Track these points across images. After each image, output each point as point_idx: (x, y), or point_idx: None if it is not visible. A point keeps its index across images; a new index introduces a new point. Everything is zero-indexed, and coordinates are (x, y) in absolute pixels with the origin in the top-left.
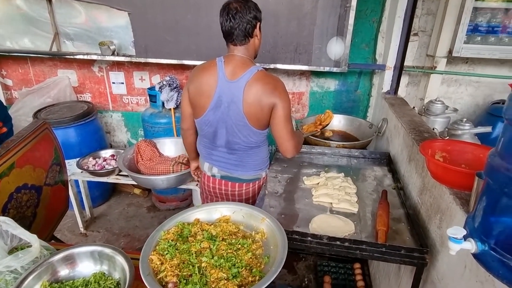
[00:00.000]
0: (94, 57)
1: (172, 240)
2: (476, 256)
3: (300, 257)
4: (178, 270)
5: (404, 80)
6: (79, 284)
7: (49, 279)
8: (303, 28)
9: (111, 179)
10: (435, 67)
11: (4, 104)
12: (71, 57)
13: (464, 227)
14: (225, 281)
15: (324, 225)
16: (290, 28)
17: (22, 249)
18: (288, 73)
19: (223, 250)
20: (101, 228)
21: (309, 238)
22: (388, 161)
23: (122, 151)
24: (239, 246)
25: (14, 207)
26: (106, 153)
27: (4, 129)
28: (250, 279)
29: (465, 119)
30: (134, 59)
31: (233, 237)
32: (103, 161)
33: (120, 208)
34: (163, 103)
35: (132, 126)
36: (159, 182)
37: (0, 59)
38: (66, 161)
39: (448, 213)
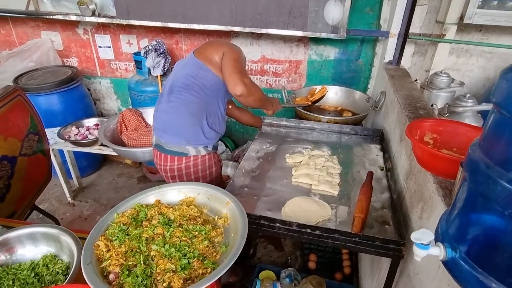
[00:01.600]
0: (74, 17)
1: (124, 224)
2: (445, 263)
3: None
4: (124, 258)
5: (409, 49)
6: (26, 267)
7: None
8: None
9: (94, 149)
10: (444, 35)
11: None
12: (49, 17)
13: (438, 226)
14: (172, 274)
15: (297, 209)
16: None
17: None
18: (284, 39)
19: (177, 237)
20: (89, 198)
21: (278, 224)
22: (381, 139)
23: (107, 119)
24: (196, 233)
25: None
26: (90, 122)
27: None
28: (200, 271)
29: (468, 95)
30: (115, 21)
31: (192, 222)
32: (86, 130)
33: (110, 178)
34: (149, 70)
35: (122, 93)
36: (140, 155)
37: None
38: (50, 129)
39: (430, 204)
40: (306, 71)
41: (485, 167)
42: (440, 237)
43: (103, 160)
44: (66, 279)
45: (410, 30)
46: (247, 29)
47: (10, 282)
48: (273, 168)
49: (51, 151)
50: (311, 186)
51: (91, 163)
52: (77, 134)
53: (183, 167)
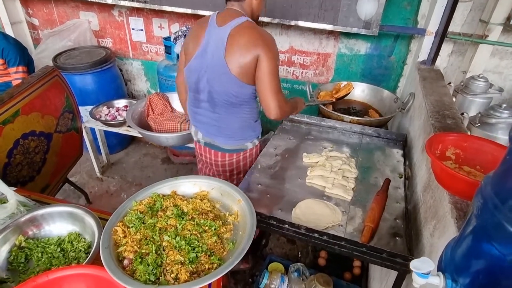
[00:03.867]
0: (109, 1)
1: (141, 212)
2: None
3: None
4: (138, 246)
5: (447, 48)
6: (53, 242)
7: (24, 234)
8: None
9: (122, 130)
10: (487, 35)
11: (32, 43)
12: (88, 0)
13: (443, 252)
14: (180, 266)
15: (308, 211)
16: None
17: (4, 202)
18: (314, 31)
19: (188, 230)
20: (116, 175)
21: (287, 226)
22: (404, 144)
23: (136, 101)
24: (206, 228)
25: (20, 152)
26: (120, 103)
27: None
28: (207, 266)
29: (504, 105)
30: (147, 6)
31: (204, 216)
32: (116, 111)
33: (136, 157)
34: (178, 56)
35: (151, 76)
36: (163, 140)
37: None
38: (84, 108)
39: (443, 223)
40: (334, 65)
41: (492, 206)
42: (442, 264)
43: (131, 139)
44: (87, 257)
45: (450, 28)
46: (276, 20)
47: (39, 254)
48: (289, 166)
49: (83, 129)
50: (325, 189)
51: (120, 142)
52: (107, 114)
53: (241, 159)
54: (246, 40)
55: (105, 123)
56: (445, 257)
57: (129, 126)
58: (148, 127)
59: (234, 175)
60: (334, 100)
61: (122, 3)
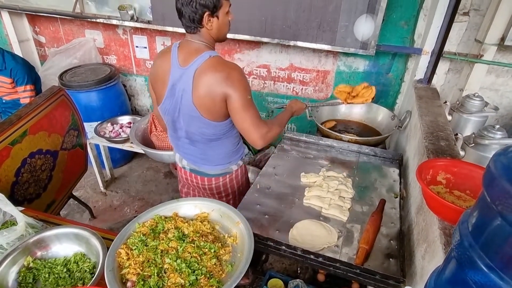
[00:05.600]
0: (114, 22)
1: (144, 235)
2: None
3: None
4: (141, 268)
5: (444, 66)
6: (59, 263)
7: (33, 255)
8: (329, 2)
9: (125, 146)
10: (482, 55)
11: (38, 60)
12: (93, 20)
13: (427, 281)
14: None
15: (304, 232)
16: (314, 1)
17: (13, 224)
18: (313, 49)
19: (188, 253)
20: (120, 189)
21: (283, 247)
22: (400, 163)
23: (139, 118)
24: (206, 250)
25: (28, 171)
26: (123, 119)
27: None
28: None
29: (497, 126)
30: (151, 26)
31: (204, 239)
32: (120, 128)
33: (139, 171)
34: None
35: None
36: (166, 157)
37: (33, 16)
38: (88, 124)
39: (433, 247)
40: (333, 82)
41: (468, 245)
42: None
43: (135, 153)
44: (92, 277)
45: (446, 47)
46: (276, 40)
47: (47, 275)
48: (287, 186)
49: (88, 145)
50: (322, 209)
51: (123, 156)
52: (111, 131)
53: (227, 181)
54: (211, 81)
55: (109, 140)
56: (429, 286)
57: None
58: (151, 143)
59: (223, 197)
60: (345, 103)
61: (127, 23)
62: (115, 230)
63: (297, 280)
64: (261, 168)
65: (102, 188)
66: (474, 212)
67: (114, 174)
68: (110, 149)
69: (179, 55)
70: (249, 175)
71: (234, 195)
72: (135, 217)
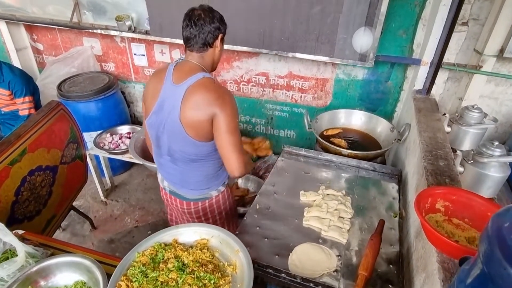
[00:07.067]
0: (112, 32)
1: (144, 265)
2: None
3: None
4: None
5: (443, 75)
6: None
7: (34, 286)
8: (327, 14)
9: (125, 157)
10: (481, 66)
11: (36, 67)
12: (90, 31)
13: None
14: None
15: (304, 257)
16: (312, 14)
17: (13, 253)
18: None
19: (188, 285)
20: (120, 198)
21: (283, 275)
22: (399, 179)
23: (139, 128)
24: (206, 281)
25: (27, 189)
26: (123, 129)
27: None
28: None
29: (496, 143)
30: (148, 37)
31: (204, 268)
32: (119, 138)
33: (139, 179)
34: None
35: None
36: None
37: (30, 25)
38: (88, 134)
39: (431, 280)
40: (332, 89)
41: None
42: None
43: None
44: None
45: (445, 57)
46: (274, 52)
47: None
48: (287, 206)
49: (87, 156)
50: (321, 231)
51: (123, 164)
52: (110, 142)
53: (206, 206)
54: (201, 99)
55: (109, 151)
56: None
57: None
58: (150, 155)
59: (204, 222)
60: (254, 155)
61: (125, 34)
62: (116, 242)
63: None
64: (260, 177)
65: (102, 197)
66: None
67: (114, 182)
68: (109, 158)
69: (174, 73)
70: (249, 184)
71: (217, 219)
72: (135, 227)
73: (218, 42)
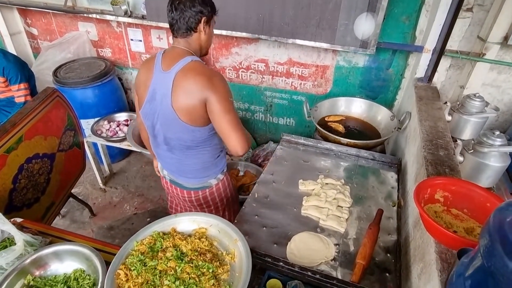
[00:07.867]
0: (107, 17)
1: (142, 254)
2: None
3: None
4: None
5: (445, 62)
6: (59, 280)
7: (33, 273)
8: (328, 0)
9: (123, 145)
10: (484, 54)
11: (31, 52)
12: (85, 15)
13: None
14: None
15: (302, 246)
16: None
17: (11, 241)
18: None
19: (187, 273)
20: (119, 185)
21: (281, 264)
22: (398, 168)
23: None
24: (204, 270)
25: (25, 177)
26: (121, 116)
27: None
28: None
29: (497, 132)
30: (145, 22)
31: (202, 257)
32: (117, 125)
33: (138, 166)
34: None
35: None
36: None
37: (24, 9)
38: (85, 121)
39: (429, 270)
40: (332, 77)
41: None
42: None
43: None
44: None
45: (448, 44)
46: (273, 38)
47: None
48: (285, 195)
49: (85, 143)
50: (319, 220)
51: (121, 151)
52: (108, 130)
53: (207, 195)
54: (191, 84)
55: (107, 139)
56: None
57: None
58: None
59: (205, 210)
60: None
61: (121, 19)
62: (115, 228)
63: (295, 281)
64: (259, 165)
65: (101, 184)
66: (471, 273)
67: (112, 169)
68: (108, 145)
69: (163, 61)
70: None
71: (218, 206)
72: (134, 214)
73: (201, 26)
